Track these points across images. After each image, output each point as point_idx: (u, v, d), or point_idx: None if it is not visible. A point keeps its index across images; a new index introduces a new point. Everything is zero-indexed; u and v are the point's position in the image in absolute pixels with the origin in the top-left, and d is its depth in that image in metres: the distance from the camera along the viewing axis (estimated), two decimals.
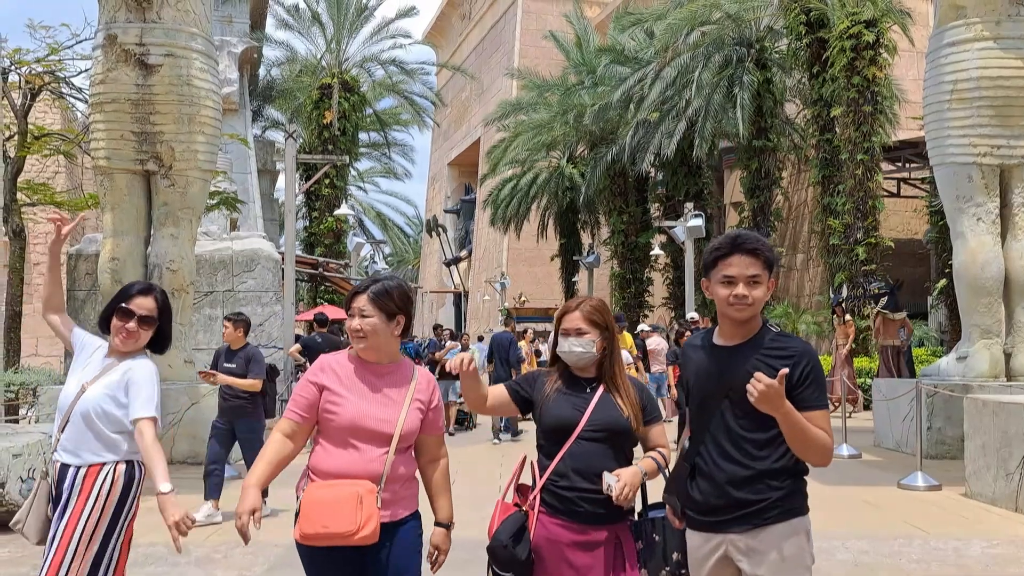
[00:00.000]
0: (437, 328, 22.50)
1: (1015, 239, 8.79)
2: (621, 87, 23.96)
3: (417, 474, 3.07)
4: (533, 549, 2.92)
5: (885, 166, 19.45)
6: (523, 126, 29.57)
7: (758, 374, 2.51)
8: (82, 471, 3.25)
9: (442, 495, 3.08)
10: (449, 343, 15.81)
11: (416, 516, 3.01)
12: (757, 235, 2.77)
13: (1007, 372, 9.06)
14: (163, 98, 10.48)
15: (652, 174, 27.18)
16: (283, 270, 15.63)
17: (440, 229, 47.85)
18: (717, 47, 22.06)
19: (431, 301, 53.12)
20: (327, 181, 25.85)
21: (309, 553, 2.89)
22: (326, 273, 23.48)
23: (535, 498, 2.97)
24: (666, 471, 2.96)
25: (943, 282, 16.47)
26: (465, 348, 14.23)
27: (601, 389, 3.01)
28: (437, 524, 3.05)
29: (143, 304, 3.38)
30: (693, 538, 2.76)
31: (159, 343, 3.50)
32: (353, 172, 33.49)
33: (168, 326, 3.50)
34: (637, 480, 2.87)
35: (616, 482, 2.82)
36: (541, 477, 2.99)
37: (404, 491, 2.97)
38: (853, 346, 15.03)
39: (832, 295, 15.74)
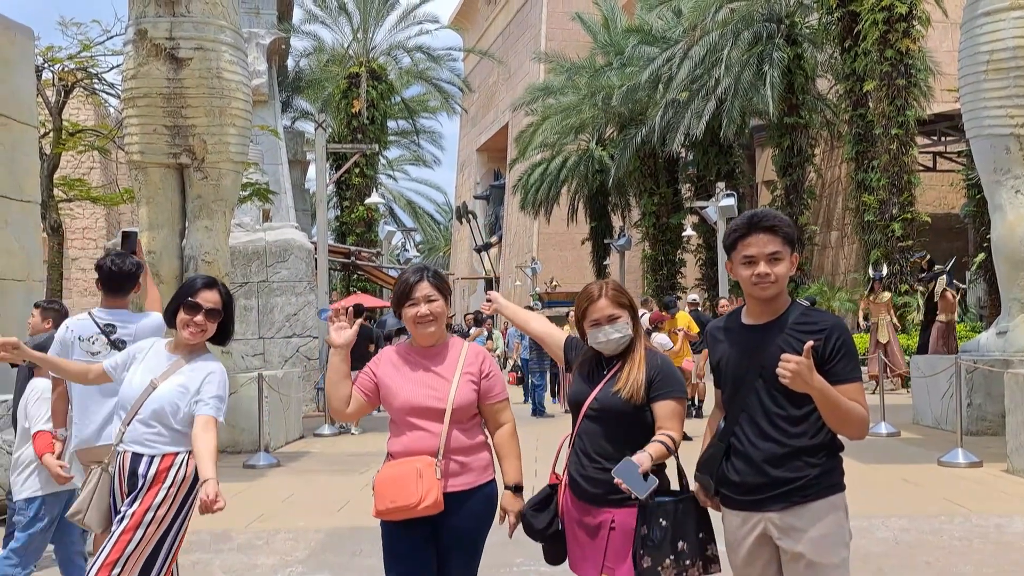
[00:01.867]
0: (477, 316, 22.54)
1: None
2: (649, 67, 23.78)
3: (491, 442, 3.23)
4: (560, 520, 3.06)
5: (920, 140, 19.14)
6: (551, 109, 29.45)
7: (785, 355, 2.52)
8: (156, 459, 3.35)
9: (509, 458, 3.19)
10: (474, 330, 15.23)
11: (490, 484, 3.15)
12: (775, 212, 2.77)
13: None
14: (194, 91, 10.57)
15: (682, 154, 26.97)
16: (316, 260, 15.75)
17: (470, 215, 47.87)
18: (746, 24, 21.79)
19: (462, 288, 53.27)
20: (357, 170, 25.98)
21: (387, 528, 3.11)
22: (358, 262, 23.62)
23: (565, 468, 3.09)
24: (675, 453, 2.86)
25: (981, 256, 16.21)
26: (490, 335, 14.08)
27: (616, 367, 3.00)
28: (505, 488, 3.17)
29: (209, 297, 3.47)
30: (731, 518, 2.76)
31: (221, 336, 3.59)
32: (383, 160, 33.61)
33: (231, 319, 3.60)
34: (648, 464, 2.71)
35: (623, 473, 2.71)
36: (566, 451, 3.09)
37: (473, 462, 3.12)
38: (896, 322, 14.80)
39: (872, 271, 15.52)
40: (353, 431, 12.07)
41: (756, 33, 21.78)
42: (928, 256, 14.52)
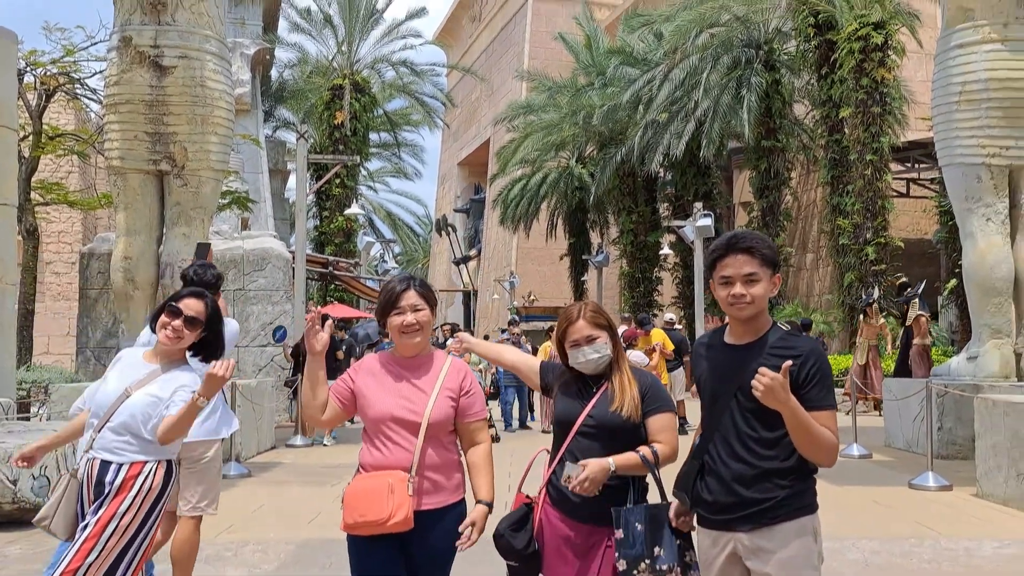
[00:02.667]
0: (453, 327, 22.53)
1: None
2: (630, 88, 24.01)
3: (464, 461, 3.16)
4: (536, 539, 2.98)
5: (894, 166, 19.44)
6: (533, 127, 29.63)
7: (762, 368, 2.54)
8: (124, 467, 3.31)
9: (482, 475, 3.10)
10: (451, 341, 14.81)
11: (461, 504, 3.10)
12: (755, 233, 2.80)
13: (1018, 372, 9.07)
14: (177, 99, 10.57)
15: (661, 174, 27.20)
16: (293, 269, 15.72)
17: (450, 228, 47.95)
18: (726, 49, 22.08)
19: (441, 300, 53.23)
20: (338, 181, 25.95)
21: (354, 541, 3.06)
22: (336, 272, 23.56)
23: (542, 490, 3.03)
24: (655, 467, 2.90)
25: (953, 282, 16.46)
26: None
27: (605, 386, 3.02)
28: (477, 501, 3.06)
29: (192, 305, 3.47)
30: (703, 537, 2.79)
31: (209, 351, 3.56)
32: (364, 172, 33.59)
33: (217, 335, 3.56)
34: (601, 474, 2.80)
35: (576, 472, 2.80)
36: (548, 468, 3.05)
37: (446, 480, 3.07)
38: (888, 347, 14.89)
39: (864, 295, 15.67)
40: (326, 442, 12.04)
41: (735, 58, 22.08)
42: (903, 279, 14.72)
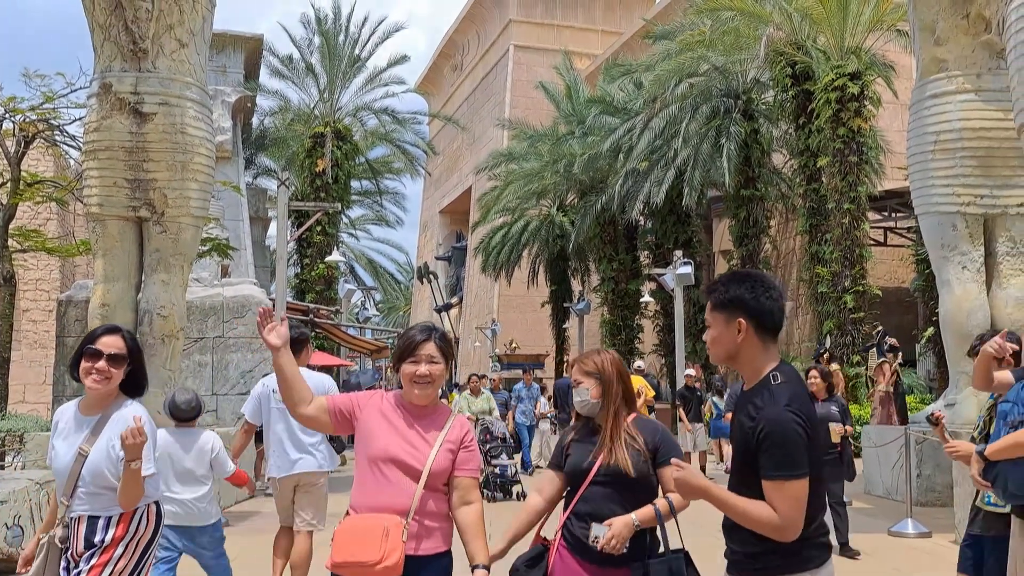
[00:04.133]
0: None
1: (1000, 287, 8.88)
2: (610, 137, 24.28)
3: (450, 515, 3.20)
4: None
5: (872, 215, 19.67)
6: (514, 175, 29.86)
7: (674, 460, 2.67)
8: (114, 518, 3.24)
9: (478, 537, 3.10)
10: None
11: (448, 555, 3.12)
12: (723, 276, 2.74)
13: None
14: (157, 146, 10.58)
15: (641, 222, 27.41)
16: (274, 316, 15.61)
17: (431, 276, 47.94)
18: (704, 98, 22.41)
19: None
20: (319, 228, 25.95)
21: None
22: (316, 320, 23.43)
23: (558, 532, 3.22)
24: (663, 520, 3.05)
25: (931, 330, 16.57)
26: (475, 392, 13.67)
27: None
28: (475, 567, 3.03)
29: (110, 343, 3.35)
30: None
31: (135, 387, 3.46)
32: (345, 219, 33.64)
33: (141, 368, 3.47)
34: (626, 531, 3.04)
35: (603, 532, 3.03)
36: (564, 513, 3.24)
37: (436, 528, 3.08)
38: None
39: (818, 344, 15.78)
40: None
41: (714, 107, 22.41)
42: (880, 328, 14.80)
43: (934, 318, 16.12)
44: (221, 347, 14.43)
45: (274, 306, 15.79)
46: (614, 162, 24.55)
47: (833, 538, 4.61)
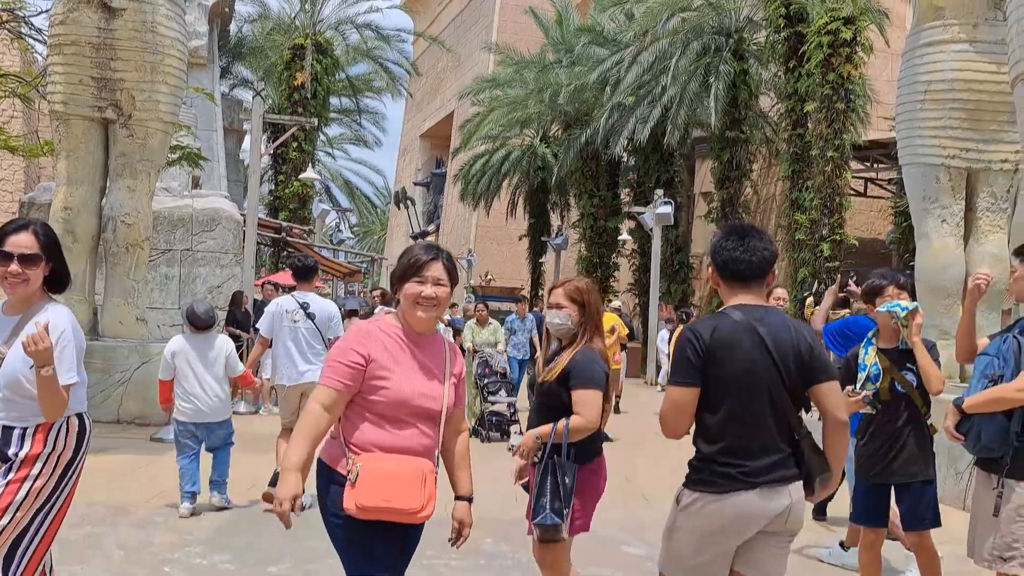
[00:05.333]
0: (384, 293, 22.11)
1: (978, 243, 8.83)
2: (598, 68, 23.79)
3: None
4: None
5: (854, 165, 19.56)
6: (498, 102, 29.29)
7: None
8: (31, 428, 3.02)
9: (464, 468, 3.02)
10: (380, 309, 11.27)
11: None
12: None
13: (960, 373, 9.13)
14: (126, 44, 10.19)
15: (624, 159, 27.09)
16: (244, 232, 15.34)
17: (409, 201, 47.40)
18: (696, 34, 21.96)
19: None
20: (295, 144, 25.42)
21: (360, 524, 2.73)
22: (289, 239, 23.14)
23: None
24: (557, 436, 3.53)
25: None
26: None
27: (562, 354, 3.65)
28: (459, 498, 2.96)
29: (20, 242, 3.05)
30: None
31: (57, 282, 3.20)
32: (322, 137, 32.99)
33: (61, 262, 3.19)
34: (530, 441, 3.60)
35: (518, 443, 3.66)
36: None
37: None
38: None
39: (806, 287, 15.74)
40: (272, 410, 11.75)
41: (705, 45, 21.98)
42: (854, 275, 14.77)
43: (908, 270, 16.13)
44: (189, 260, 14.17)
45: (244, 221, 15.49)
46: (600, 95, 24.11)
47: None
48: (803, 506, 2.91)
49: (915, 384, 4.34)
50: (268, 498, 6.38)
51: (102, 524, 5.82)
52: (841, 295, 6.03)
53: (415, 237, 48.52)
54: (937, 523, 4.35)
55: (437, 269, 2.89)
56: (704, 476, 2.85)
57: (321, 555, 5.27)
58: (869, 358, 4.39)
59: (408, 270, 2.90)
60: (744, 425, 2.80)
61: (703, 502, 2.83)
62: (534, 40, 31.32)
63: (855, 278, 6.02)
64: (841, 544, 5.67)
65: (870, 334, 4.53)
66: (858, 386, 4.35)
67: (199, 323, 6.29)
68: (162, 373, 6.36)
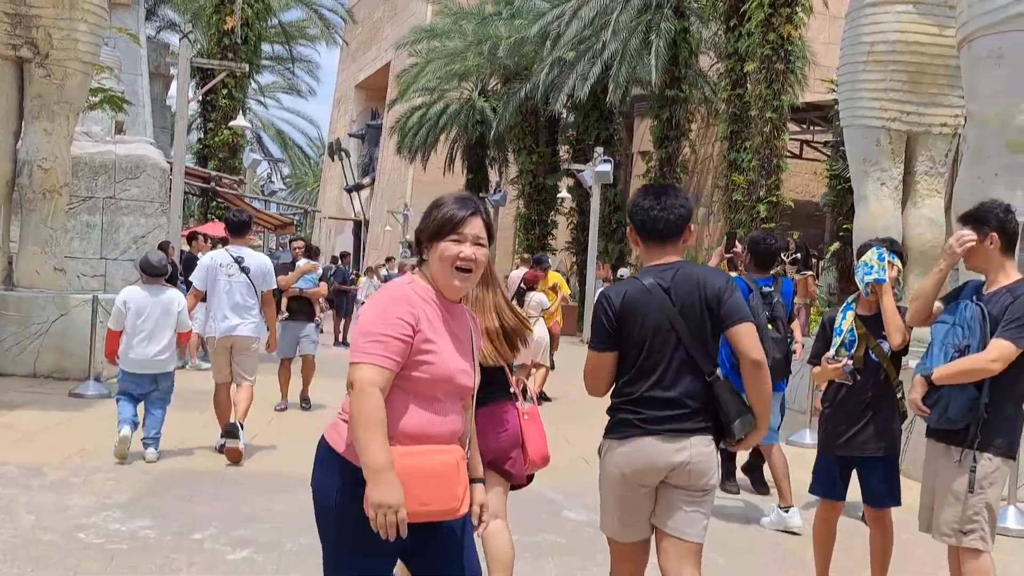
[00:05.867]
0: (344, 256, 21.72)
1: (915, 206, 8.91)
2: (539, 22, 23.44)
3: None
4: None
5: (790, 127, 19.69)
6: (436, 53, 28.71)
7: None
8: None
9: (475, 447, 2.72)
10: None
11: None
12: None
13: None
14: None
15: (564, 116, 26.87)
16: (171, 180, 14.75)
17: (343, 153, 46.50)
18: None
19: (329, 228, 51.89)
20: (225, 91, 24.52)
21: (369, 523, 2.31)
22: (219, 189, 22.42)
23: None
24: None
25: (836, 245, 16.85)
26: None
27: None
28: (475, 480, 2.64)
29: None
30: None
31: None
32: (254, 85, 31.96)
33: None
34: None
35: None
36: None
37: None
38: None
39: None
40: (199, 365, 11.37)
41: (646, 1, 21.78)
42: (798, 236, 14.91)
43: (841, 233, 16.39)
44: (112, 208, 13.55)
45: (171, 170, 14.88)
46: (540, 49, 23.78)
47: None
48: (708, 460, 2.94)
49: (890, 354, 4.14)
50: (233, 455, 6.47)
51: (13, 486, 5.50)
52: (727, 256, 5.91)
53: (349, 190, 47.64)
54: (898, 501, 4.15)
55: (477, 226, 2.49)
56: (609, 424, 3.04)
57: (249, 519, 5.08)
58: (846, 323, 4.19)
59: (443, 227, 2.47)
60: (649, 378, 2.93)
61: (608, 448, 3.02)
62: None
63: (741, 238, 5.95)
64: (779, 507, 5.63)
65: (850, 299, 4.34)
66: (832, 352, 4.16)
67: (151, 270, 6.45)
68: (113, 323, 6.39)
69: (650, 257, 3.04)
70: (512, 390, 3.67)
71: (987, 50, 6.42)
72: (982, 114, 6.61)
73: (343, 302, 17.86)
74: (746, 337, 2.90)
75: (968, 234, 3.54)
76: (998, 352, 3.36)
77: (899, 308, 4.16)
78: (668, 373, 2.92)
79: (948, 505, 3.48)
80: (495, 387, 3.55)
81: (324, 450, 2.48)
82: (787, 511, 5.55)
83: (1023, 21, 6.21)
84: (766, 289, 5.55)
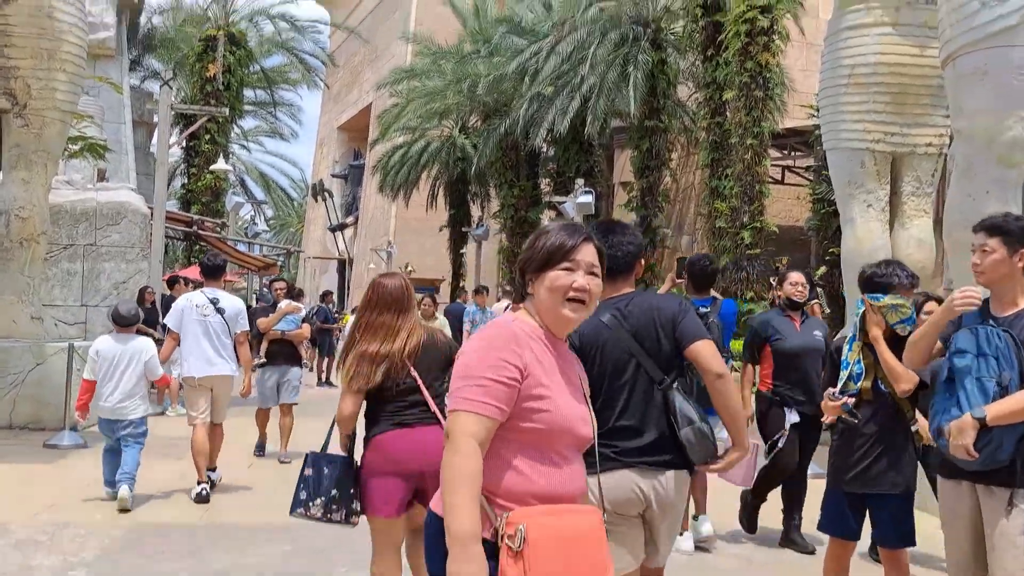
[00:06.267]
0: (327, 295, 21.57)
1: (903, 227, 8.88)
2: (517, 59, 23.59)
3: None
4: None
5: (772, 153, 19.80)
6: (416, 92, 28.83)
7: None
8: None
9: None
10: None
11: None
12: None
13: None
14: (20, 30, 9.62)
15: (544, 149, 26.97)
16: (152, 224, 14.62)
17: (326, 194, 46.50)
18: (614, 24, 21.94)
19: (314, 267, 51.73)
20: (207, 137, 24.49)
21: None
22: (201, 232, 22.27)
23: None
24: None
25: (823, 269, 16.87)
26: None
27: None
28: None
29: None
30: None
31: None
32: (236, 130, 31.98)
33: None
34: None
35: None
36: None
37: None
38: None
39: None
40: (169, 412, 11.13)
41: (623, 34, 21.95)
42: (787, 261, 14.91)
43: (827, 257, 16.40)
44: (93, 255, 13.39)
45: (152, 215, 14.76)
46: (519, 85, 23.91)
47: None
48: (677, 489, 3.03)
49: None
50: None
51: None
52: (679, 280, 5.88)
53: (333, 230, 47.56)
54: (912, 541, 3.90)
55: (590, 253, 2.23)
56: (591, 458, 2.93)
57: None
58: (852, 355, 3.99)
59: (553, 255, 2.21)
60: (615, 409, 2.98)
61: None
62: (452, 31, 30.90)
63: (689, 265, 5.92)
64: (694, 517, 5.63)
65: (855, 332, 4.08)
66: (839, 385, 3.96)
67: (121, 321, 6.59)
68: (87, 372, 6.59)
69: (604, 292, 2.99)
70: (433, 410, 3.73)
71: (971, 67, 6.43)
72: (969, 131, 6.60)
73: (326, 341, 17.75)
74: (704, 353, 2.98)
75: (973, 293, 3.27)
76: None
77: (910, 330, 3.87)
78: (638, 404, 3.00)
79: (1005, 551, 3.10)
80: (418, 408, 3.73)
81: (434, 525, 2.08)
82: (696, 518, 5.62)
83: (1005, 37, 6.23)
84: (703, 310, 5.48)
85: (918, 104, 8.64)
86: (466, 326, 13.93)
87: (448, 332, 12.01)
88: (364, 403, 3.79)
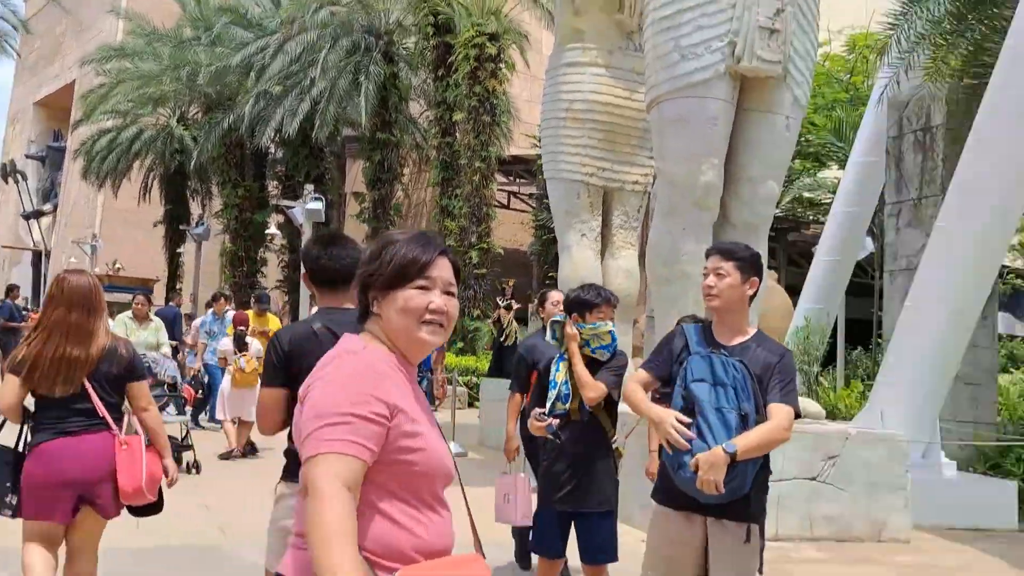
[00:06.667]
0: (13, 289, 19.08)
1: (612, 257, 9.38)
2: (241, 52, 22.62)
3: None
4: None
5: (499, 178, 20.45)
6: (127, 74, 26.60)
7: None
8: None
9: None
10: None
11: None
12: None
13: None
14: None
15: (272, 150, 25.98)
16: None
17: (19, 176, 41.62)
18: (345, 31, 21.67)
19: (4, 258, 46.07)
20: None
21: None
22: None
23: None
24: None
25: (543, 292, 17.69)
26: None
27: None
28: None
29: None
30: None
31: None
32: None
33: None
34: None
35: None
36: None
37: None
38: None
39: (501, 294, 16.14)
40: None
41: (355, 42, 21.72)
42: (513, 282, 15.32)
43: (547, 280, 17.15)
44: None
45: None
46: (244, 80, 22.88)
47: None
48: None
49: (602, 405, 4.01)
50: None
51: None
52: None
53: (28, 217, 42.68)
54: (614, 557, 3.99)
55: (446, 268, 1.93)
56: (287, 468, 3.05)
57: None
58: (560, 375, 4.04)
59: (404, 271, 1.89)
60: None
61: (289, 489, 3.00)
62: (169, 12, 28.82)
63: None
64: None
65: (563, 349, 4.13)
66: (548, 405, 4.00)
67: None
68: None
69: (324, 301, 3.17)
70: (102, 417, 3.68)
71: (674, 114, 6.91)
72: (671, 173, 7.08)
73: (9, 342, 15.77)
74: None
75: (683, 433, 3.03)
76: (788, 420, 3.03)
77: (614, 354, 4.06)
78: None
79: None
80: (83, 416, 3.64)
81: None
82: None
83: (702, 89, 6.76)
84: None
85: (628, 144, 9.17)
86: (202, 338, 11.95)
87: (165, 336, 10.45)
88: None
